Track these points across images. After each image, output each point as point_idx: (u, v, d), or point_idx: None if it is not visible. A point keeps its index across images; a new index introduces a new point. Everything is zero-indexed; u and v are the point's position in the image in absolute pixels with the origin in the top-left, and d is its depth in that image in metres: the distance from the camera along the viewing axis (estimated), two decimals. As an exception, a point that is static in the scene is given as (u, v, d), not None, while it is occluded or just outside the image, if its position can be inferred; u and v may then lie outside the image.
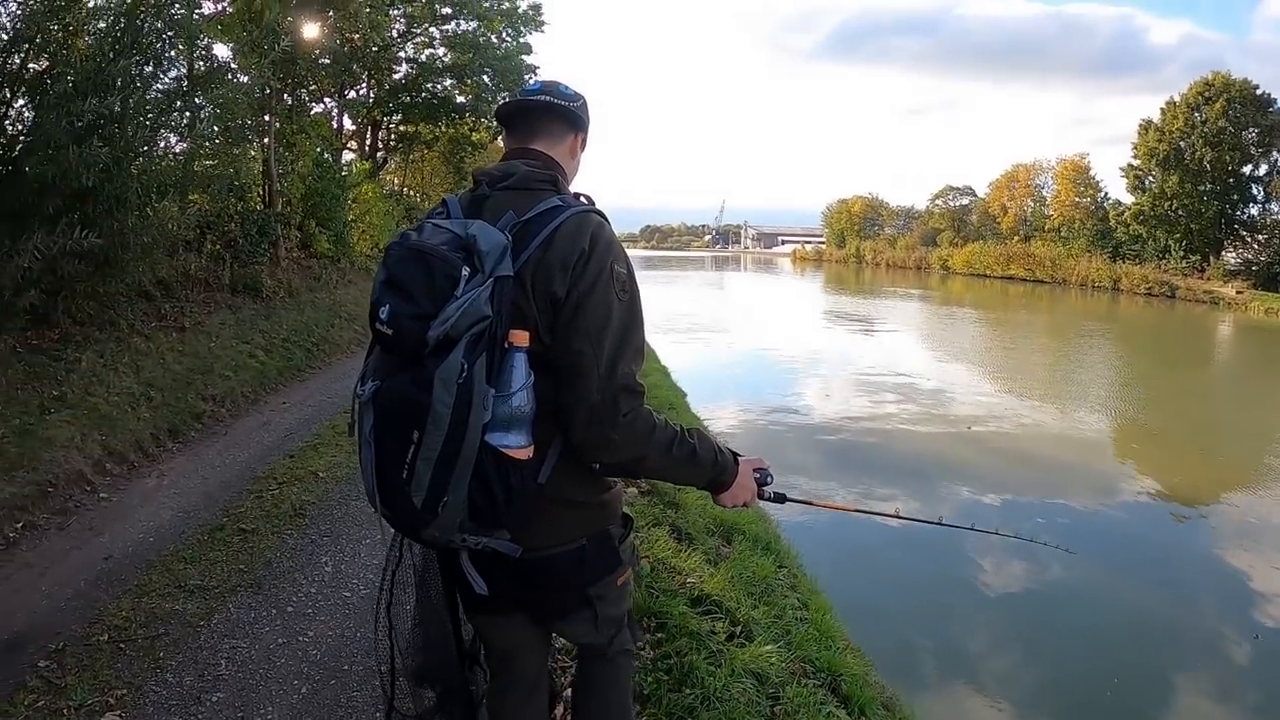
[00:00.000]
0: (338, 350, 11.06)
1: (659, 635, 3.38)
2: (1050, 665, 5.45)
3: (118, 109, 7.08)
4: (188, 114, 9.16)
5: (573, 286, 1.49)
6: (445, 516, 1.42)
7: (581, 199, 1.66)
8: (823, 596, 4.81)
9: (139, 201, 7.34)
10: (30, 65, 7.27)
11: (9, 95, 7.12)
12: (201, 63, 10.35)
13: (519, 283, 1.47)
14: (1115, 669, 5.31)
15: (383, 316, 1.42)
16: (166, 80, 8.90)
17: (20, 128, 7.14)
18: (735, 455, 1.79)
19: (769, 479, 1.89)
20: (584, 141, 1.84)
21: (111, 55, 7.32)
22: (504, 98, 24.42)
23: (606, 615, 1.77)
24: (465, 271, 1.41)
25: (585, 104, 1.82)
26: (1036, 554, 6.54)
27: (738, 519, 5.08)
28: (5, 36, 6.97)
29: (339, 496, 5.32)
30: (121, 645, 3.45)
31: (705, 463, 1.68)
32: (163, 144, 8.91)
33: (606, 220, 1.63)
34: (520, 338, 1.44)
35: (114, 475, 5.70)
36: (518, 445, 1.44)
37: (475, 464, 1.39)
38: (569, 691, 2.33)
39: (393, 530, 1.67)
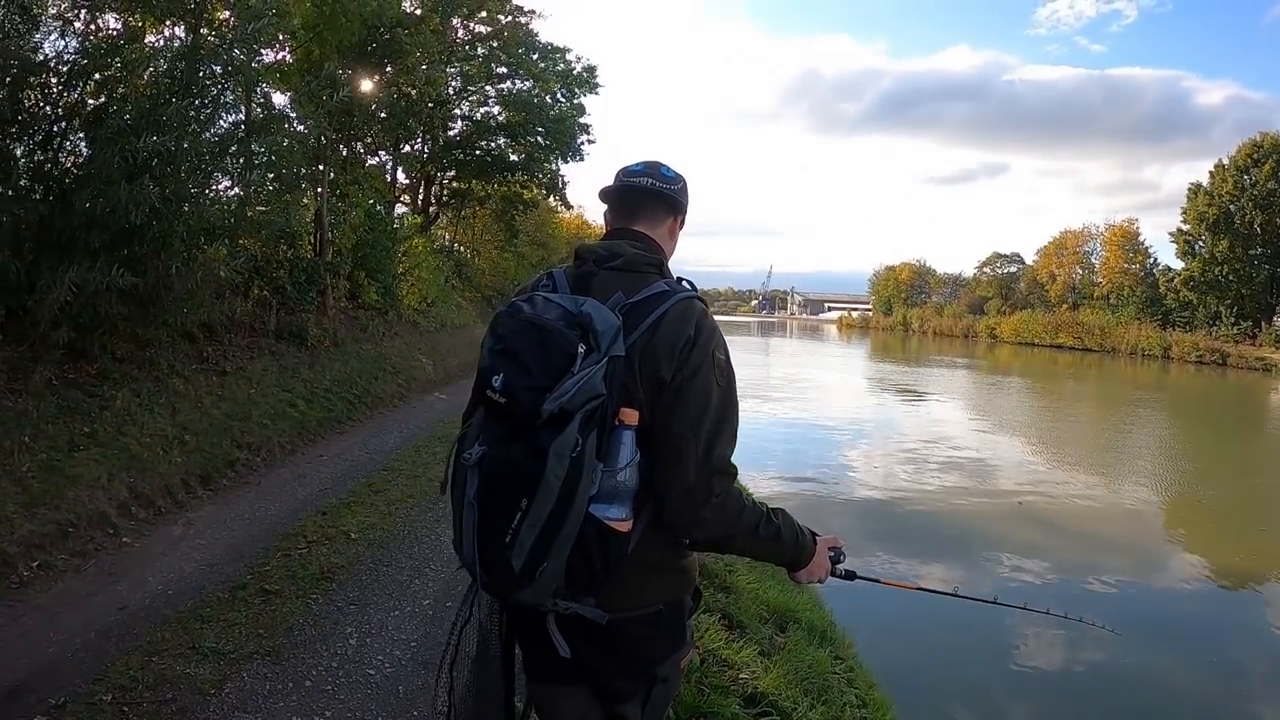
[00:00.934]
0: (380, 404, 10.88)
1: (711, 740, 3.03)
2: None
3: (172, 148, 7.05)
4: (242, 159, 9.22)
5: (678, 371, 1.54)
6: (541, 582, 1.46)
7: (684, 284, 1.70)
8: (880, 692, 4.42)
9: (185, 244, 7.27)
10: (89, 100, 7.33)
11: (65, 128, 7.13)
12: (260, 109, 10.51)
13: (628, 363, 1.52)
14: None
15: (496, 385, 1.45)
16: (224, 124, 9.01)
17: (74, 160, 7.14)
18: (814, 535, 1.84)
19: (842, 557, 1.94)
20: (683, 222, 1.89)
21: (169, 95, 7.34)
22: (555, 157, 25.03)
23: (657, 701, 1.74)
24: (581, 349, 1.45)
25: (685, 186, 1.86)
26: (1083, 633, 6.27)
27: (792, 604, 4.72)
28: (64, 69, 7.02)
29: (370, 561, 5.01)
30: (125, 708, 3.20)
31: (788, 543, 1.75)
32: (215, 187, 8.97)
33: (708, 306, 1.68)
34: (630, 416, 1.50)
35: (139, 519, 5.50)
36: (619, 518, 1.50)
37: (578, 534, 1.44)
38: None
39: (470, 590, 1.68)
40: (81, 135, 7.18)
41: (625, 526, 1.51)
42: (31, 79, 6.74)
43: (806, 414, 19.73)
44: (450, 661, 1.81)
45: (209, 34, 8.38)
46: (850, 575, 2.01)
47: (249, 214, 10.14)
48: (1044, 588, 7.87)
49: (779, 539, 1.72)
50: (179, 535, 5.34)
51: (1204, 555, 9.43)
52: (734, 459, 1.64)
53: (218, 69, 8.32)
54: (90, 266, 6.19)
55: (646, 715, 1.74)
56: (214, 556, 4.95)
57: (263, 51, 11.83)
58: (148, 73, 7.58)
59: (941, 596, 2.62)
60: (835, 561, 1.92)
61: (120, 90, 7.29)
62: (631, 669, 1.69)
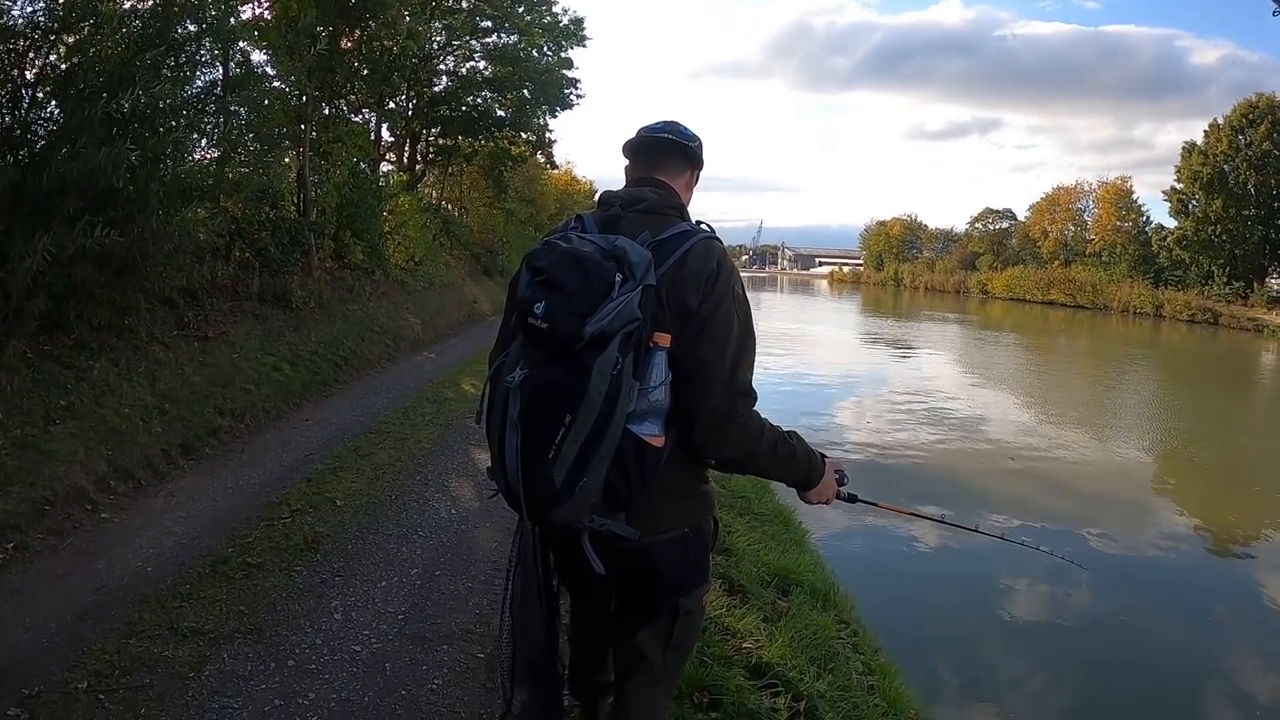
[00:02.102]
0: (367, 365, 10.66)
1: (714, 715, 2.90)
2: (1076, 693, 5.42)
3: (144, 107, 6.78)
4: (221, 118, 8.93)
5: (703, 302, 1.68)
6: (580, 497, 1.57)
7: (703, 226, 1.84)
8: (885, 657, 4.32)
9: (161, 205, 7.00)
10: (60, 64, 7.04)
11: (34, 92, 6.85)
12: (238, 68, 10.17)
13: (655, 293, 1.64)
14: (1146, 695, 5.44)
15: (538, 312, 1.56)
16: (200, 82, 8.71)
17: (47, 124, 6.86)
18: (823, 456, 1.99)
19: (845, 480, 2.09)
20: (697, 178, 2.05)
21: (141, 51, 7.04)
22: (544, 111, 24.58)
23: (680, 641, 1.90)
24: (619, 278, 1.58)
25: (701, 145, 2.02)
26: (1071, 580, 6.66)
27: (793, 566, 4.59)
28: (37, 35, 6.73)
29: (356, 529, 4.85)
30: (100, 696, 3.05)
31: (802, 462, 1.90)
32: (193, 148, 8.68)
33: (724, 245, 1.83)
34: (663, 339, 1.63)
35: (118, 494, 5.30)
36: (653, 434, 1.63)
37: (616, 449, 1.56)
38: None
39: (518, 528, 1.82)
40: (53, 97, 6.90)
41: (659, 442, 1.64)
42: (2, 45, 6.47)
43: (798, 368, 19.69)
44: (510, 604, 1.93)
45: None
46: (853, 498, 2.18)
47: (229, 174, 9.89)
48: (1028, 531, 7.90)
49: (794, 457, 1.87)
50: (160, 508, 5.17)
51: (1194, 512, 9.54)
52: None
53: (192, 26, 7.98)
54: (66, 233, 5.94)
55: (668, 657, 1.90)
56: (195, 529, 4.79)
57: (240, 8, 11.52)
58: (121, 33, 7.26)
59: (930, 524, 2.90)
60: (840, 484, 2.07)
61: (92, 51, 6.98)
62: (659, 595, 1.83)
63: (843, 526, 7.58)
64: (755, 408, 1.79)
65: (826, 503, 2.06)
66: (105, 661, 3.28)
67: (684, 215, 1.88)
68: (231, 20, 10.54)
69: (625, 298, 1.56)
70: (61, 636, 3.49)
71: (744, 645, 3.44)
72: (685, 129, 2.00)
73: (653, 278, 1.63)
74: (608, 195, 1.90)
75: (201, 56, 8.66)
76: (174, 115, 7.40)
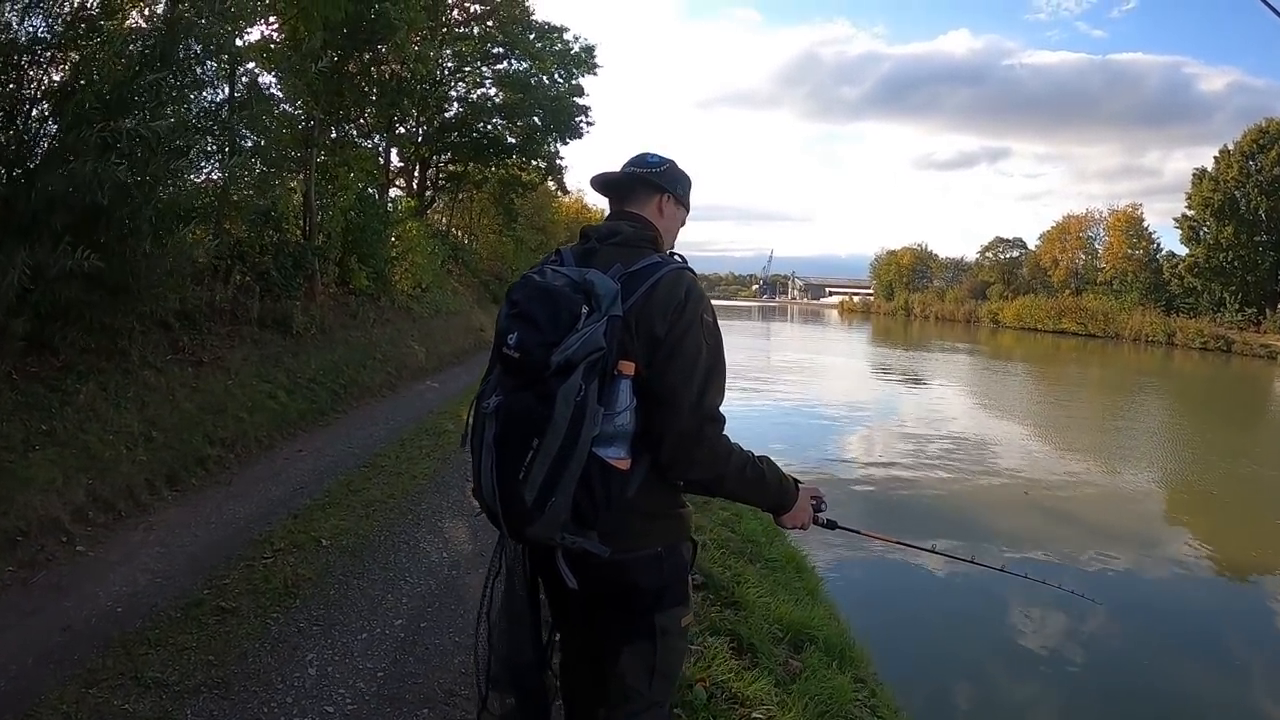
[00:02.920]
0: (367, 394, 10.40)
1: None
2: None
3: (140, 129, 6.60)
4: (225, 141, 8.80)
5: (670, 329, 1.73)
6: (550, 515, 1.63)
7: (676, 257, 1.92)
8: (905, 717, 4.02)
9: (153, 227, 6.80)
10: (55, 78, 6.89)
11: (29, 108, 6.70)
12: (244, 89, 10.06)
13: (625, 323, 1.70)
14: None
15: (510, 342, 1.68)
16: (204, 103, 8.58)
17: (40, 140, 6.70)
18: (796, 482, 2.02)
19: (823, 506, 2.10)
20: (673, 199, 2.06)
21: (141, 69, 6.88)
22: (554, 138, 24.52)
23: (664, 669, 1.88)
24: (585, 309, 1.66)
25: (671, 167, 2.06)
26: (1086, 615, 6.46)
27: (807, 620, 4.26)
28: (38, 49, 6.59)
29: (340, 572, 4.56)
30: (50, 754, 2.75)
31: (772, 486, 1.94)
32: (192, 168, 8.52)
33: (696, 276, 1.89)
34: (627, 367, 1.69)
35: (96, 525, 5.05)
36: (618, 457, 1.69)
37: (582, 470, 1.62)
38: None
39: (499, 542, 1.91)
40: (49, 113, 6.74)
41: (624, 465, 1.70)
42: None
43: (809, 399, 19.45)
44: (486, 611, 2.00)
45: (186, 8, 7.88)
46: (831, 524, 2.19)
47: (233, 196, 9.74)
48: (1037, 564, 7.71)
49: (764, 480, 1.91)
50: (138, 542, 4.91)
51: (1212, 544, 9.24)
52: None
53: (197, 47, 7.83)
54: (51, 250, 5.73)
55: (655, 685, 1.87)
56: (172, 567, 4.52)
57: (248, 28, 11.43)
58: (124, 52, 7.11)
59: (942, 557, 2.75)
60: (817, 510, 2.08)
61: (93, 70, 6.83)
62: (634, 613, 1.82)
63: (853, 559, 7.35)
64: (724, 432, 1.83)
65: (803, 528, 2.10)
66: (61, 713, 3.04)
67: (657, 246, 1.95)
68: (238, 41, 10.52)
69: (590, 329, 1.64)
70: (21, 681, 3.25)
71: (753, 716, 3.13)
72: (652, 157, 2.07)
73: (619, 309, 1.70)
74: (587, 229, 1.98)
75: (205, 77, 8.57)
76: (173, 136, 7.21)
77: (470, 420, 1.80)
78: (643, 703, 1.90)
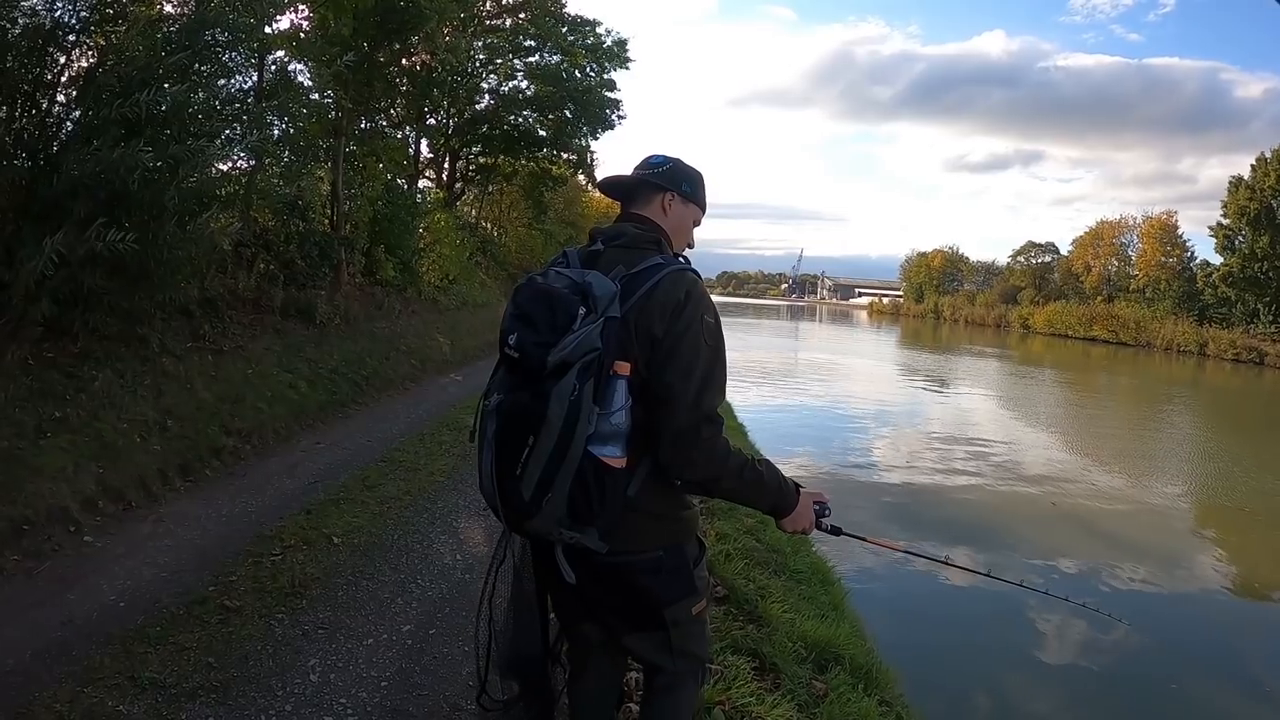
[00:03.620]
0: (389, 386, 10.26)
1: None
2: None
3: (163, 109, 6.52)
4: (254, 128, 8.72)
5: (669, 329, 1.77)
6: (547, 510, 1.69)
7: (680, 258, 1.95)
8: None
9: (178, 210, 6.70)
10: (80, 63, 6.84)
11: (56, 95, 6.65)
12: (273, 77, 10.02)
13: (625, 324, 1.75)
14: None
15: (511, 342, 1.75)
16: (231, 90, 8.53)
17: (66, 127, 6.63)
18: (797, 486, 2.02)
19: (827, 512, 2.07)
20: (678, 197, 2.07)
21: (163, 53, 6.81)
22: (585, 132, 24.37)
23: (682, 648, 1.95)
24: (582, 311, 1.72)
25: (674, 166, 2.08)
26: (1104, 628, 6.28)
27: (832, 637, 4.05)
28: (60, 35, 6.53)
29: (350, 572, 4.41)
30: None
31: (770, 488, 1.93)
32: (220, 157, 8.46)
33: (699, 277, 1.90)
34: (623, 368, 1.73)
35: (105, 515, 4.94)
36: (613, 456, 1.73)
37: (577, 468, 1.67)
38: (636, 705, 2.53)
39: (503, 534, 2.03)
40: (75, 99, 6.68)
41: (619, 463, 1.72)
42: (23, 44, 6.25)
43: (834, 400, 19.29)
44: (489, 596, 2.07)
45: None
46: (836, 530, 2.16)
47: (259, 183, 9.69)
48: (1060, 579, 7.58)
49: (762, 482, 1.91)
50: (146, 534, 4.79)
51: (1237, 562, 9.08)
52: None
53: (222, 35, 7.76)
54: (76, 235, 5.65)
55: (678, 663, 1.98)
56: (179, 561, 4.40)
57: (278, 16, 11.38)
58: (149, 36, 7.05)
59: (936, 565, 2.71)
60: (820, 515, 2.05)
61: (117, 54, 6.77)
62: (638, 608, 1.89)
63: (875, 567, 7.15)
64: (723, 433, 1.84)
65: (805, 533, 2.10)
66: (55, 712, 2.93)
67: (661, 248, 1.96)
68: (267, 29, 10.46)
69: (585, 329, 1.68)
70: (17, 677, 3.15)
71: (777, 742, 2.95)
72: (656, 157, 2.09)
73: (616, 310, 1.74)
74: (594, 231, 2.02)
75: (233, 63, 8.51)
76: (197, 118, 7.14)
77: (477, 416, 1.86)
78: (667, 678, 2.05)
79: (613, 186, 2.15)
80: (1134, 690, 5.84)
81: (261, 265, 9.93)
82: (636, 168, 2.09)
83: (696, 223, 2.15)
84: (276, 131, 10.49)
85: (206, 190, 7.34)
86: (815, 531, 2.09)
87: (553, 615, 2.13)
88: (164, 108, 6.51)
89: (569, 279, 1.78)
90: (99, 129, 6.03)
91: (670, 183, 2.05)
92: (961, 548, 8.00)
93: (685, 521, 1.96)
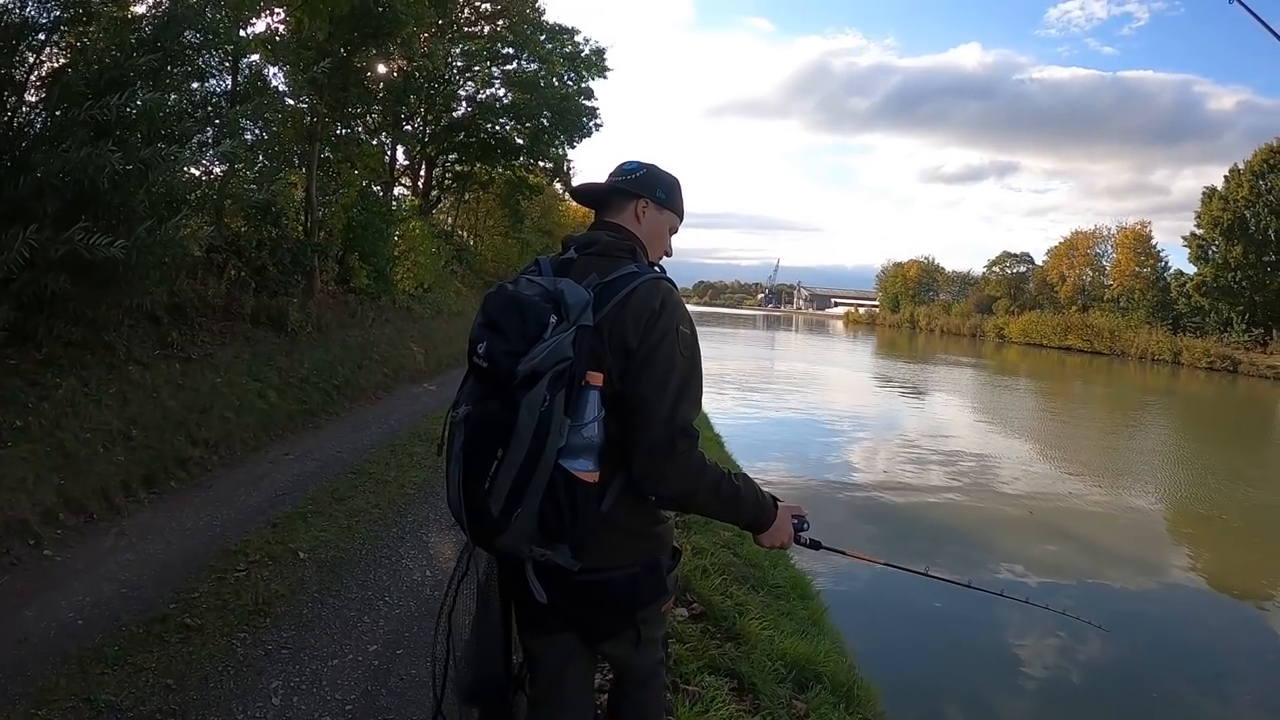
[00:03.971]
0: (361, 395, 10.11)
1: None
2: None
3: (131, 111, 6.39)
4: (226, 132, 8.59)
5: (643, 340, 1.72)
6: (517, 526, 1.62)
7: (655, 267, 1.93)
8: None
9: (147, 216, 6.55)
10: (50, 63, 6.70)
11: (25, 95, 6.51)
12: (246, 81, 9.90)
13: (597, 333, 1.70)
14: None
15: (480, 351, 1.67)
16: (204, 92, 8.42)
17: (34, 127, 6.49)
18: (775, 500, 1.97)
19: (806, 525, 2.04)
20: (653, 204, 2.01)
21: (133, 54, 6.68)
22: (562, 140, 24.31)
23: (648, 637, 1.91)
24: (553, 319, 1.66)
25: (646, 173, 2.02)
26: (1079, 635, 6.29)
27: (811, 655, 3.97)
28: (29, 35, 6.40)
29: (316, 589, 4.28)
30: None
31: (748, 503, 1.89)
32: (192, 160, 8.32)
33: (675, 287, 1.87)
34: (595, 378, 1.67)
35: (66, 528, 4.81)
36: (585, 469, 1.65)
37: (548, 482, 1.60)
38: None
39: (466, 546, 1.92)
40: (43, 99, 6.54)
41: (591, 477, 1.65)
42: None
43: (810, 410, 19.21)
44: (448, 611, 1.97)
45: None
46: (815, 544, 2.12)
47: (232, 188, 9.53)
48: (1040, 587, 7.50)
49: (739, 497, 1.86)
50: (107, 548, 4.66)
51: (1214, 569, 9.07)
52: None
53: (196, 37, 7.64)
54: (45, 237, 5.49)
55: (641, 653, 1.92)
56: (140, 577, 4.27)
57: (252, 19, 11.25)
58: (119, 37, 6.92)
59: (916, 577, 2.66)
60: (799, 529, 2.03)
61: (86, 53, 6.65)
62: (613, 617, 1.85)
63: (853, 578, 7.09)
64: (699, 447, 1.78)
65: (784, 547, 2.04)
66: (5, 738, 2.78)
67: (635, 257, 1.89)
68: (242, 32, 10.34)
69: (557, 338, 1.62)
70: (-32, 698, 2.99)
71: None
72: (629, 164, 2.04)
73: (589, 318, 1.68)
74: (567, 239, 1.96)
75: (207, 66, 8.40)
76: (167, 120, 7.00)
77: (445, 429, 1.79)
78: (637, 674, 2.03)
79: (586, 194, 2.10)
80: (1115, 697, 5.79)
81: (233, 271, 9.77)
82: (611, 174, 2.04)
83: (673, 230, 2.10)
84: (250, 136, 10.38)
85: (177, 194, 7.19)
86: (794, 546, 2.05)
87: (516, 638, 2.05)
88: (133, 112, 6.38)
89: (540, 286, 1.73)
90: (68, 129, 5.91)
91: (644, 189, 2.01)
92: (940, 557, 7.98)
93: (659, 537, 1.90)
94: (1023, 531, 9.78)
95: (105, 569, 4.35)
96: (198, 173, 8.96)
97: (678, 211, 2.08)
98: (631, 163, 2.05)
